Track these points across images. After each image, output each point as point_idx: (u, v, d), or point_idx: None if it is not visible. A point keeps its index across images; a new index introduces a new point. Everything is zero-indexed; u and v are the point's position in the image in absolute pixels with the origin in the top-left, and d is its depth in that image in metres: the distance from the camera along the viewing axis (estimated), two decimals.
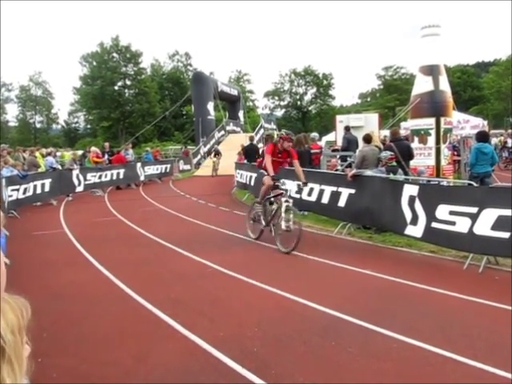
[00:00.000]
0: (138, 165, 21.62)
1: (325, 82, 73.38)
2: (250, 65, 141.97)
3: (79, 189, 17.11)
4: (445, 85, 13.63)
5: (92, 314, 5.05)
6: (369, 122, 16.38)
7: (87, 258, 7.61)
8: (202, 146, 31.47)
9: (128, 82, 61.16)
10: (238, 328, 4.44)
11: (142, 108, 58.15)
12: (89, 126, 65.15)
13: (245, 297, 5.43)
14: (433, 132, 13.30)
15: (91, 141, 49.60)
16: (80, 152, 24.72)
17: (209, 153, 28.54)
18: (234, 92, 41.19)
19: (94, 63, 58.77)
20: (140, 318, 4.87)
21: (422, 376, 3.47)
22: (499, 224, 5.74)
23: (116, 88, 59.85)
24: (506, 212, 5.70)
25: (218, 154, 25.29)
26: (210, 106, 34.72)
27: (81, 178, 17.17)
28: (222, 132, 34.56)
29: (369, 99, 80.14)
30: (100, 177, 18.43)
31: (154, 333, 4.46)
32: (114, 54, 59.75)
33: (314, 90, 73.87)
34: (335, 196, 8.98)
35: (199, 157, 30.42)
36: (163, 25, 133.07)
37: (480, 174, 9.46)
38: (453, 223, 6.37)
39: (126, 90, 61.42)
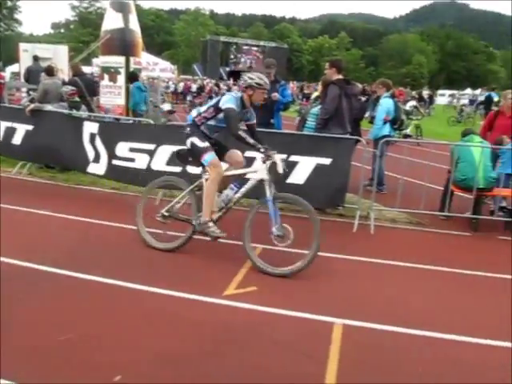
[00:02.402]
0: None
1: (9, 3, 63.91)
2: None
3: None
4: (135, 24, 13.55)
5: None
6: (57, 55, 15.53)
7: None
8: None
9: None
10: None
11: None
12: None
13: None
14: (123, 71, 13.25)
15: None
16: None
17: None
18: None
19: None
20: None
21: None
22: (172, 159, 6.23)
23: None
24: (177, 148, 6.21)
25: None
26: None
27: None
28: None
29: (63, 31, 74.64)
30: None
31: None
32: None
33: None
34: (10, 132, 7.99)
35: None
36: None
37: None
38: (133, 160, 6.58)
39: None
